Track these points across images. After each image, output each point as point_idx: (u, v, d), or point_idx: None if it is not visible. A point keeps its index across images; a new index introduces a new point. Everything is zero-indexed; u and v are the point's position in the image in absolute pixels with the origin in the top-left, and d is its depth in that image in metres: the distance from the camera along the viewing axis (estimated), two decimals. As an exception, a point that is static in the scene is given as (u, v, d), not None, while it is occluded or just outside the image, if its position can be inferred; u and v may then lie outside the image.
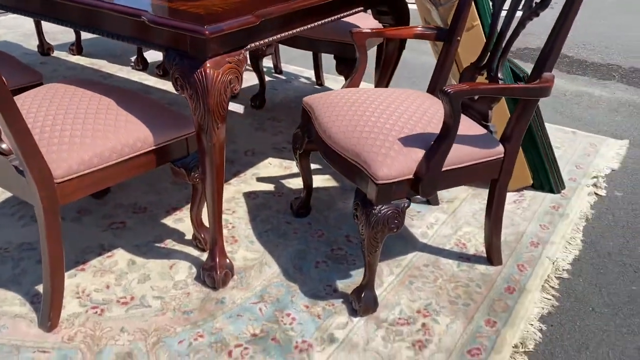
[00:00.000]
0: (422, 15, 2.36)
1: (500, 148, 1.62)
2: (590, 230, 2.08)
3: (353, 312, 1.62)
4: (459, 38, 1.87)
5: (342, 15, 1.89)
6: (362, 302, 1.60)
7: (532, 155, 2.23)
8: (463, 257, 1.89)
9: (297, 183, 2.29)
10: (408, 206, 1.50)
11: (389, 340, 1.54)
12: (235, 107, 3.02)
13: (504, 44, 1.69)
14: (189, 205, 2.06)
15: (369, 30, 1.84)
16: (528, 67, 2.67)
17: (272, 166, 2.43)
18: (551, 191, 2.29)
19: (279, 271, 1.79)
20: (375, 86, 1.87)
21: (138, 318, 1.58)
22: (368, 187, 1.47)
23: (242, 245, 1.90)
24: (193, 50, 1.40)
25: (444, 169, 1.50)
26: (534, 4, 1.59)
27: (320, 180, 2.31)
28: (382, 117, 1.61)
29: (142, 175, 2.20)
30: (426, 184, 1.47)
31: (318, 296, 1.68)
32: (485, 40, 1.96)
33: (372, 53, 2.47)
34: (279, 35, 1.64)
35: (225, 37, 1.40)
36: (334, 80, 3.38)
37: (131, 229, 1.96)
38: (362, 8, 2.00)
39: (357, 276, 1.77)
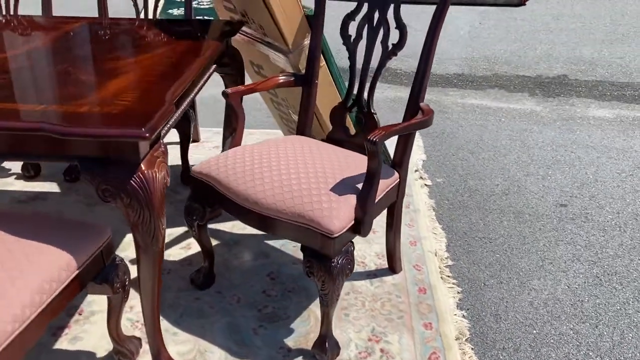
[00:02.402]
0: (246, 58, 2.42)
1: (396, 174, 1.83)
2: (441, 217, 2.46)
3: (319, 363, 1.66)
4: (317, 81, 2.01)
5: (209, 75, 1.86)
6: (328, 351, 1.64)
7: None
8: (370, 275, 2.06)
9: (182, 254, 2.16)
10: (353, 248, 1.59)
11: (364, 375, 1.63)
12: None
13: (369, 83, 1.89)
14: (77, 327, 1.78)
15: (243, 88, 1.85)
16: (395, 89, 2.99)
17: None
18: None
19: (224, 353, 1.70)
20: (232, 145, 1.89)
21: None
22: (321, 243, 1.52)
23: (168, 340, 1.74)
24: (124, 155, 1.25)
25: (371, 206, 1.63)
26: (390, 45, 1.82)
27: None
28: (300, 172, 1.66)
29: None
30: (365, 224, 1.58)
31: (278, 361, 1.67)
32: (332, 80, 2.15)
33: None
34: (177, 115, 1.55)
35: (153, 132, 1.28)
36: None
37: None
38: (215, 66, 1.99)
39: (300, 327, 1.80)
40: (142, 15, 2.64)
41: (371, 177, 1.58)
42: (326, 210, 1.52)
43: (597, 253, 2.23)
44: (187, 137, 2.64)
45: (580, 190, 2.70)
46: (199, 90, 1.75)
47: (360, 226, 1.57)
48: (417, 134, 3.31)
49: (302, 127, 2.05)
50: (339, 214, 1.52)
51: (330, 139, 2.00)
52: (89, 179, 1.26)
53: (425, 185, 2.73)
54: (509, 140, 3.24)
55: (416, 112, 1.77)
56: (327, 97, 2.14)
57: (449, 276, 2.08)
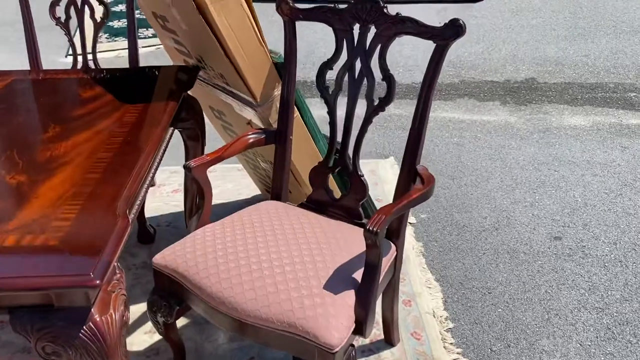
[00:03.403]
0: (204, 103, 2.13)
1: (393, 247, 1.59)
2: (432, 264, 2.25)
3: None
4: (291, 137, 1.75)
5: (167, 143, 1.57)
6: None
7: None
8: (366, 350, 1.83)
9: (147, 342, 1.87)
10: (355, 353, 1.35)
11: None
12: None
13: (353, 141, 1.64)
14: None
15: (208, 159, 1.56)
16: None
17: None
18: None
19: None
20: (199, 224, 1.62)
21: None
22: (319, 358, 1.27)
23: None
24: (70, 302, 0.96)
25: (371, 297, 1.40)
26: (377, 100, 1.58)
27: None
28: (284, 261, 1.40)
29: None
30: (368, 324, 1.35)
31: None
32: (306, 131, 1.89)
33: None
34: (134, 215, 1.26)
35: (104, 265, 1.00)
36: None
37: None
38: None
39: None
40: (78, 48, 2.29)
41: (372, 271, 1.34)
42: (322, 317, 1.27)
43: (602, 297, 2.07)
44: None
45: (571, 218, 2.54)
46: (157, 169, 1.46)
47: (362, 327, 1.33)
48: (392, 158, 3.11)
49: (278, 190, 1.79)
50: (337, 322, 1.27)
51: (311, 202, 1.75)
52: (23, 333, 0.97)
53: (410, 223, 2.51)
54: (489, 160, 3.06)
55: (413, 178, 1.54)
56: (303, 153, 1.88)
57: (452, 344, 1.87)
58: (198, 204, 1.64)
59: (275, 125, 1.78)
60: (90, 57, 2.25)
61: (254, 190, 2.76)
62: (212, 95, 2.01)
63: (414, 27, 1.47)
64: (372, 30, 1.56)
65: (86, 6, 2.37)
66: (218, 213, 2.72)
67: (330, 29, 1.59)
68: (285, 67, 1.68)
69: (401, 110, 3.73)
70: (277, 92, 1.77)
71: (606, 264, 2.25)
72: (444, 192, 2.76)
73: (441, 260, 2.28)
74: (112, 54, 4.73)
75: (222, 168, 2.95)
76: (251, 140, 1.70)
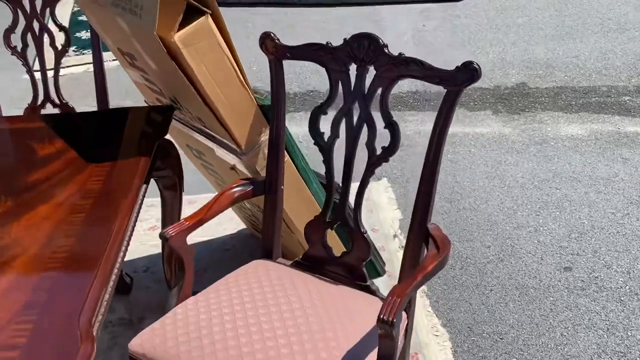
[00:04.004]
0: (180, 142, 1.92)
1: (404, 316, 1.40)
2: (437, 306, 2.08)
3: None
4: (282, 187, 1.55)
5: (140, 203, 1.36)
6: None
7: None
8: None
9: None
10: None
11: None
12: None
13: (354, 191, 1.45)
14: None
15: (188, 225, 1.36)
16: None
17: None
18: (377, 274, 2.22)
19: None
20: (180, 298, 1.42)
21: None
22: None
23: None
24: None
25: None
26: (380, 149, 1.39)
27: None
28: (280, 344, 1.21)
29: None
30: (383, 421, 1.16)
31: None
32: (298, 175, 1.69)
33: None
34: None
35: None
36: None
37: None
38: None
39: None
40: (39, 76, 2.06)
41: (385, 362, 1.15)
42: None
43: (623, 339, 1.92)
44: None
45: (579, 244, 2.39)
46: (126, 248, 1.25)
47: None
48: (385, 180, 2.92)
49: (269, 245, 1.59)
50: None
51: (307, 260, 1.55)
52: None
53: (409, 257, 2.33)
54: (487, 178, 2.90)
55: (424, 238, 1.35)
56: (296, 199, 1.68)
57: (467, 406, 1.70)
58: (178, 275, 1.44)
59: (263, 173, 1.58)
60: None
61: (238, 223, 2.56)
62: (190, 137, 1.80)
63: (419, 69, 1.28)
64: (372, 71, 1.37)
65: (45, 33, 2.15)
66: (201, 253, 2.53)
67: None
68: (272, 110, 1.48)
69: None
70: (265, 137, 1.57)
71: (622, 298, 2.10)
72: (443, 218, 2.59)
73: (447, 301, 2.11)
74: (80, 68, 4.43)
75: (202, 198, 2.74)
76: (237, 195, 1.50)
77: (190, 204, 2.77)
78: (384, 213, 2.63)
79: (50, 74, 2.10)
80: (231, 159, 1.62)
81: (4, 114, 2.21)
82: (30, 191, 1.26)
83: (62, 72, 2.18)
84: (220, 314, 1.34)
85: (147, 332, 1.33)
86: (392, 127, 1.35)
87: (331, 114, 1.45)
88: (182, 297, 1.40)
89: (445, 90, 1.28)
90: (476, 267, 2.28)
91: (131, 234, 1.30)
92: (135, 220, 1.38)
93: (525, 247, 2.38)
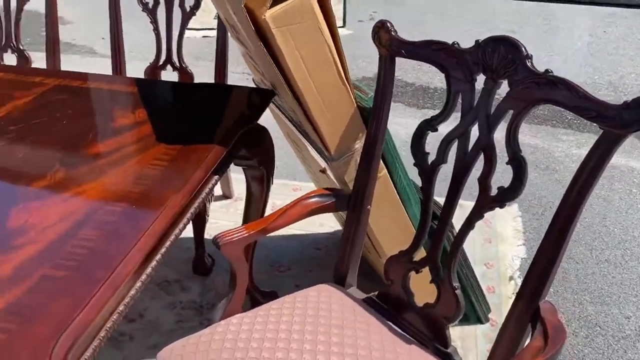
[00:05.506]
0: (282, 129, 1.72)
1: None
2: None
3: None
4: (369, 206, 1.29)
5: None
6: None
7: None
8: None
9: None
10: None
11: None
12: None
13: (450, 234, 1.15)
14: None
15: (244, 234, 1.16)
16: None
17: None
18: (478, 321, 1.88)
19: None
20: (226, 313, 1.22)
21: None
22: None
23: None
24: None
25: None
26: (493, 188, 1.06)
27: None
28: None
29: None
30: None
31: None
32: (395, 194, 1.41)
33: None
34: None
35: None
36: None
37: None
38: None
39: None
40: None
41: None
42: None
43: None
44: (201, 216, 2.00)
45: None
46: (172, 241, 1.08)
47: None
48: (515, 206, 2.51)
49: (342, 271, 1.35)
50: None
51: (382, 299, 1.29)
52: None
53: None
54: (645, 229, 2.36)
55: (531, 318, 1.02)
56: (388, 220, 1.41)
57: None
58: (229, 286, 1.26)
59: (351, 186, 1.33)
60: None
61: (337, 223, 2.34)
62: (290, 129, 1.60)
63: (569, 96, 0.93)
64: (504, 87, 1.05)
65: (175, -7, 2.08)
66: (291, 246, 2.36)
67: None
68: (373, 114, 1.22)
69: (537, 140, 3.07)
70: (359, 144, 1.32)
71: None
72: (575, 268, 2.14)
73: (557, 376, 1.71)
74: (198, 33, 4.12)
75: (308, 187, 2.54)
76: (314, 206, 1.27)
77: (295, 192, 2.62)
78: (504, 247, 2.25)
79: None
80: (321, 161, 1.39)
81: (130, 67, 2.22)
82: (87, 162, 1.15)
83: (191, 34, 2.11)
84: (262, 338, 1.13)
85: (180, 343, 1.16)
86: (519, 163, 1.02)
87: (442, 131, 1.16)
88: (228, 312, 1.22)
89: (601, 131, 0.92)
90: (606, 341, 1.84)
91: (177, 237, 1.13)
92: (197, 212, 1.21)
93: (679, 330, 1.88)
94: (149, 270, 0.94)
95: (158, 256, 0.98)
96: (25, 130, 1.27)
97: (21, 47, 2.19)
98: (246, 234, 1.17)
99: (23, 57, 2.18)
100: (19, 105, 1.37)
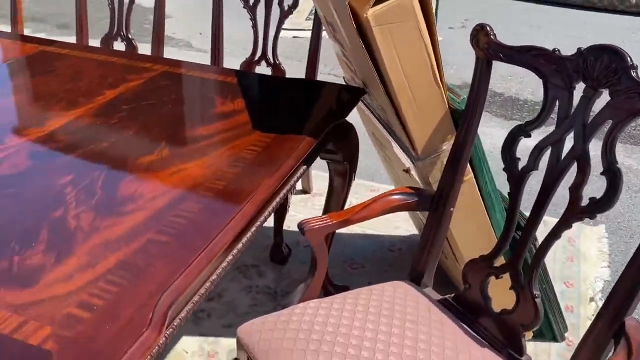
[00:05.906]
0: (366, 127, 1.76)
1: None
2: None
3: None
4: (452, 209, 1.30)
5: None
6: None
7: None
8: None
9: None
10: None
11: None
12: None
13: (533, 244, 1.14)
14: None
15: (328, 222, 1.21)
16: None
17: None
18: (554, 339, 1.82)
19: None
20: (304, 297, 1.27)
21: None
22: None
23: None
24: None
25: None
26: (585, 198, 1.05)
27: None
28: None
29: None
30: None
31: None
32: (480, 199, 1.41)
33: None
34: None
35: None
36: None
37: None
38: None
39: None
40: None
41: None
42: None
43: None
44: (282, 206, 2.07)
45: None
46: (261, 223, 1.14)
47: None
48: (602, 227, 2.41)
49: (419, 269, 1.37)
50: None
51: (458, 301, 1.29)
52: None
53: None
54: None
55: (615, 334, 0.99)
56: (471, 225, 1.41)
57: None
58: (309, 271, 1.31)
59: (435, 187, 1.35)
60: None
61: (412, 226, 2.34)
62: (375, 126, 1.63)
63: (677, 110, 0.91)
64: (604, 97, 1.03)
65: (275, -9, 2.17)
66: (365, 246, 2.38)
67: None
68: (465, 116, 1.23)
69: (631, 161, 2.92)
70: (447, 146, 1.33)
71: None
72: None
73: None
74: (289, 33, 4.16)
75: (384, 188, 2.56)
76: (396, 203, 1.30)
77: (372, 192, 2.65)
78: (587, 267, 2.17)
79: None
80: (406, 160, 1.41)
81: (228, 60, 2.33)
82: (189, 144, 1.24)
83: (283, 34, 2.19)
84: (338, 324, 1.17)
85: (259, 321, 1.23)
86: (614, 175, 1.00)
87: (535, 137, 1.15)
88: (306, 296, 1.27)
89: None
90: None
91: (266, 219, 1.19)
92: (284, 200, 1.27)
93: None
94: (239, 245, 1.01)
95: (249, 234, 1.04)
96: (135, 110, 1.39)
97: (130, 37, 2.36)
98: (330, 222, 1.21)
99: (131, 46, 2.34)
100: (130, 87, 1.50)
